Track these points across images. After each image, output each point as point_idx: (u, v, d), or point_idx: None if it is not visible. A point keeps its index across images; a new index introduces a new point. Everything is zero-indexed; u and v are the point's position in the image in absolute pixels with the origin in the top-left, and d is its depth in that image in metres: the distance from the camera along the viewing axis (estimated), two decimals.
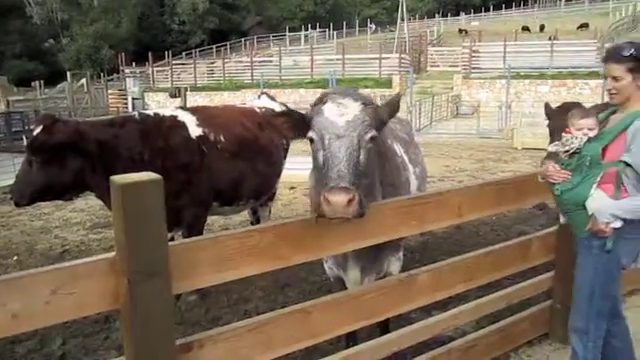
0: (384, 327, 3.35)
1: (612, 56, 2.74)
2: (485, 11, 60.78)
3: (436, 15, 56.04)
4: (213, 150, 4.50)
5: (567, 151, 2.77)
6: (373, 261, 3.14)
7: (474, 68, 28.22)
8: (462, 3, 65.98)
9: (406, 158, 3.56)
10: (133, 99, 31.15)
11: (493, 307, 3.59)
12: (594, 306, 2.80)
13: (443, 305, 3.68)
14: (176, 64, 37.46)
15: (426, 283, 3.02)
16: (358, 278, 3.15)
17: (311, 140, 2.57)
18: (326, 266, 3.41)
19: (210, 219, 6.42)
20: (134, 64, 39.01)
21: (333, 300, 2.70)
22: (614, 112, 2.86)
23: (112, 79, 38.76)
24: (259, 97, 5.68)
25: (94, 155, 4.03)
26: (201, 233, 4.69)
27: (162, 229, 2.02)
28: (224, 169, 4.55)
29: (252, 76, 32.50)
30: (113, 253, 1.96)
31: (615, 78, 2.72)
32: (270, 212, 5.80)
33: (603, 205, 2.65)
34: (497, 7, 61.78)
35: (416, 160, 3.77)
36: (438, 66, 32.30)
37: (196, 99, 30.29)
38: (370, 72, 30.58)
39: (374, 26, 55.30)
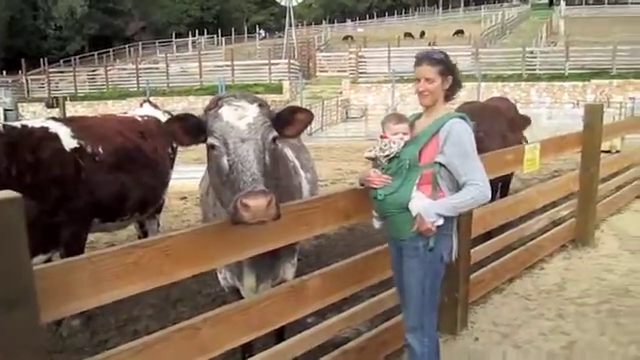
0: (279, 335, 3.30)
1: (426, 59, 2.84)
2: (370, 18, 62.97)
3: (323, 21, 57.16)
4: (91, 162, 4.21)
5: (387, 155, 2.82)
6: (269, 268, 3.09)
7: (361, 73, 29.18)
8: (348, 10, 67.98)
9: (297, 163, 3.56)
10: (5, 110, 28.71)
11: (386, 305, 3.66)
12: (426, 303, 2.87)
13: (338, 307, 3.70)
14: (53, 72, 35.25)
15: (318, 287, 3.01)
16: (254, 286, 3.09)
17: (212, 146, 2.47)
18: (220, 277, 3.31)
19: (94, 236, 6.04)
20: (4, 72, 36.00)
21: (223, 313, 2.60)
22: (419, 117, 3.00)
23: None
24: (141, 105, 5.42)
25: None
26: (81, 253, 4.37)
27: (23, 252, 1.82)
28: (104, 182, 4.28)
29: (138, 84, 31.30)
30: None
31: (428, 80, 2.82)
32: (159, 224, 5.55)
33: (427, 205, 2.74)
34: (380, 14, 64.28)
35: (307, 166, 3.77)
36: (327, 71, 32.96)
37: (77, 109, 28.61)
38: (260, 78, 30.61)
39: (263, 32, 55.36)
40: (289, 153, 3.39)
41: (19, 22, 47.81)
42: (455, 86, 2.89)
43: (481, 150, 3.01)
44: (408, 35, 45.40)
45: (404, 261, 2.87)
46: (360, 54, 30.31)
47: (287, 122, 2.64)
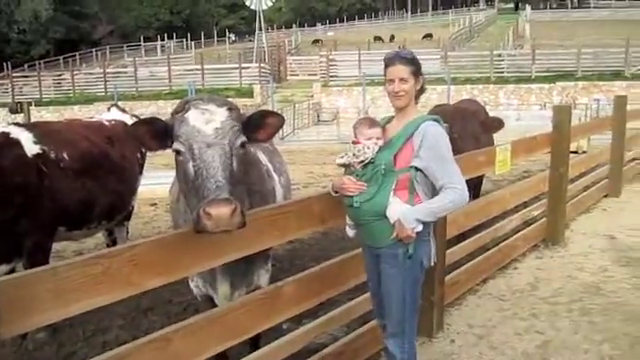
0: (254, 343, 3.22)
1: (398, 58, 2.78)
2: (340, 22, 63.22)
3: (294, 25, 57.23)
4: (55, 169, 4.07)
5: (362, 161, 2.74)
6: (243, 275, 3.02)
7: (332, 76, 29.25)
8: (318, 14, 68.08)
9: (271, 167, 3.49)
10: None
11: (362, 309, 3.61)
12: (407, 310, 2.81)
13: (314, 313, 3.64)
14: (17, 77, 34.33)
15: (293, 293, 2.95)
16: (228, 294, 3.01)
17: (177, 152, 2.40)
18: (192, 285, 3.21)
19: (61, 245, 5.86)
20: None
21: (195, 323, 2.51)
22: (390, 121, 2.94)
23: None
24: (109, 110, 5.28)
25: None
26: (46, 262, 4.21)
27: None
28: (69, 189, 4.13)
29: (106, 88, 30.74)
30: None
31: (403, 79, 2.74)
32: (128, 232, 5.41)
33: (406, 211, 2.68)
34: (350, 18, 64.63)
35: (280, 169, 3.71)
36: (297, 75, 32.97)
37: (43, 114, 27.91)
38: (231, 82, 30.42)
39: (233, 36, 55.05)
40: (262, 157, 3.33)
41: None
42: (423, 87, 2.87)
43: (455, 152, 2.99)
44: (378, 39, 45.69)
45: (382, 268, 2.81)
46: (331, 57, 30.36)
47: (258, 126, 2.58)
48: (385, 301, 2.87)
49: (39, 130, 4.15)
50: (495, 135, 6.38)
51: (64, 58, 42.84)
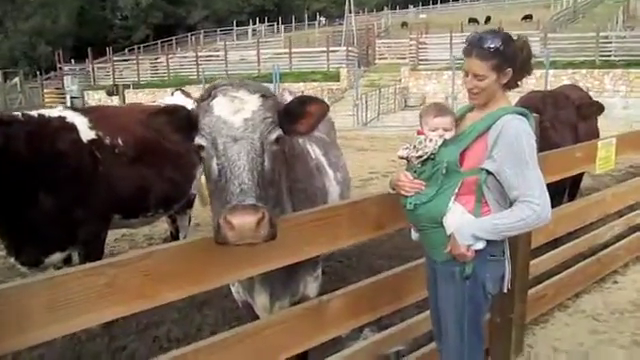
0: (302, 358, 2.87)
1: (476, 49, 2.29)
2: (433, 3, 61.15)
3: (385, 8, 55.97)
4: (109, 155, 3.91)
5: (420, 156, 2.30)
6: (285, 283, 2.66)
7: (421, 60, 28.18)
8: None
9: (324, 161, 3.09)
10: (72, 98, 29.69)
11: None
12: (465, 339, 2.35)
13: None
14: (118, 60, 36.06)
15: (341, 309, 2.58)
16: (267, 304, 2.67)
17: (200, 147, 2.06)
18: (232, 290, 2.92)
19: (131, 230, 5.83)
20: (73, 61, 37.25)
21: (222, 341, 2.20)
22: (472, 109, 2.45)
23: (50, 77, 36.90)
24: (172, 94, 5.10)
25: None
26: (101, 251, 4.12)
27: None
28: (124, 177, 3.97)
29: (197, 72, 31.52)
30: None
31: (478, 76, 2.28)
32: (190, 220, 5.25)
33: (463, 224, 2.22)
34: (445, 0, 62.33)
35: (337, 164, 3.30)
36: (386, 58, 32.12)
37: (139, 96, 29.14)
38: (318, 66, 30.14)
39: (323, 20, 54.81)
40: (313, 150, 2.93)
41: (88, 12, 49.59)
42: (520, 74, 2.33)
43: (547, 144, 2.44)
44: (473, 21, 43.60)
45: (439, 285, 2.37)
46: (421, 40, 29.27)
47: (297, 116, 2.19)
48: (442, 322, 2.44)
49: (94, 115, 4.01)
50: (600, 124, 5.60)
51: (161, 42, 44.49)
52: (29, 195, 3.58)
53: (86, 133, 3.87)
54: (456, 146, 2.27)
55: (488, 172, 2.22)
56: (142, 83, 32.66)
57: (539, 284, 3.86)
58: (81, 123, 3.89)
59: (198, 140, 2.06)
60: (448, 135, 2.31)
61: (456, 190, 2.25)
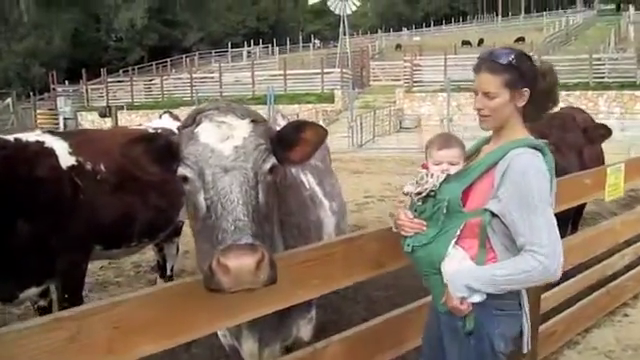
0: None
1: (487, 62, 2.04)
2: (426, 26, 61.71)
3: (379, 30, 56.40)
4: (91, 182, 3.67)
5: (420, 193, 2.06)
6: (276, 328, 2.41)
7: (416, 82, 28.21)
8: (404, 19, 66.94)
9: (319, 191, 2.86)
10: (65, 119, 29.54)
11: None
12: None
13: None
14: (112, 82, 35.94)
15: (337, 358, 2.31)
16: (255, 351, 2.41)
17: (184, 179, 1.83)
18: (219, 333, 2.65)
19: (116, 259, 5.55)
20: (67, 82, 37.18)
21: None
22: (488, 142, 2.19)
23: (43, 98, 36.73)
24: (161, 117, 4.88)
25: None
26: (80, 283, 3.85)
27: None
28: (106, 205, 3.72)
29: (192, 93, 31.45)
30: None
31: (488, 94, 2.02)
32: (178, 249, 4.99)
33: (457, 273, 1.97)
34: (437, 22, 62.90)
35: (332, 193, 3.07)
36: (380, 80, 32.16)
37: (132, 118, 29.03)
38: (312, 87, 30.17)
39: (318, 42, 55.14)
40: (306, 179, 2.71)
41: (83, 34, 49.65)
42: (544, 103, 2.08)
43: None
44: (466, 43, 43.94)
45: (444, 339, 2.12)
46: (415, 62, 29.35)
47: (291, 143, 1.96)
48: None
49: (75, 139, 3.78)
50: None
51: (156, 64, 44.52)
52: (3, 225, 3.34)
53: (65, 159, 3.63)
54: (459, 183, 2.02)
55: (493, 214, 1.96)
56: (136, 104, 32.51)
57: (548, 320, 3.61)
58: (60, 148, 3.65)
59: (182, 171, 1.84)
60: (453, 170, 2.07)
61: (458, 232, 2.00)
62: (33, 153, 3.54)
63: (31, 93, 35.98)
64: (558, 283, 3.75)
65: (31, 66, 45.59)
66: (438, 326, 2.16)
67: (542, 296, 3.37)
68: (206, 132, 1.83)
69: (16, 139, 3.57)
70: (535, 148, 2.00)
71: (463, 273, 1.96)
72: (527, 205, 1.89)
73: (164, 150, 1.89)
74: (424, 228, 2.05)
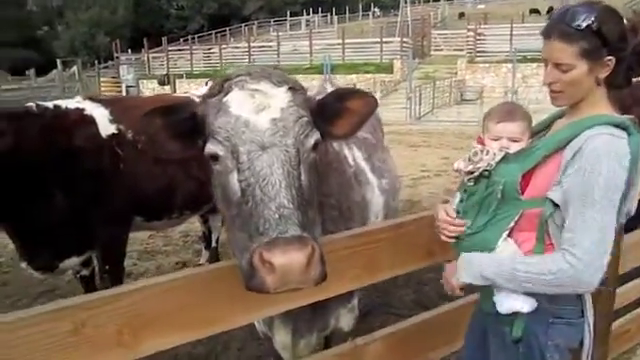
0: None
1: (557, 28, 1.66)
2: None
3: None
4: (131, 152, 3.53)
5: (471, 172, 1.74)
6: (311, 319, 2.18)
7: (479, 52, 27.07)
8: None
9: (366, 167, 2.59)
10: (127, 87, 30.27)
11: None
12: None
13: None
14: (172, 50, 36.44)
15: (382, 356, 2.07)
16: (288, 343, 2.20)
17: (213, 157, 1.60)
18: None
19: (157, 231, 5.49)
20: (130, 51, 37.97)
21: None
22: (561, 116, 1.83)
23: (107, 66, 37.74)
24: (206, 84, 4.70)
25: None
26: (122, 255, 3.77)
27: None
28: (147, 175, 3.60)
29: (250, 62, 31.46)
30: None
31: (560, 66, 1.66)
32: (224, 221, 4.85)
33: (475, 256, 1.73)
34: None
35: (382, 169, 2.78)
36: (442, 50, 31.08)
37: (192, 86, 29.32)
38: (371, 57, 29.50)
39: (378, 10, 53.85)
40: (351, 154, 2.44)
41: (145, 3, 50.48)
42: (635, 65, 1.69)
43: None
44: (534, 11, 41.72)
45: (490, 345, 1.84)
46: (479, 31, 28.10)
47: (334, 115, 1.70)
48: None
49: (116, 107, 3.65)
50: None
51: (216, 33, 44.77)
52: (43, 195, 3.26)
53: (106, 127, 3.52)
54: (520, 164, 1.69)
55: (555, 204, 1.63)
56: (195, 73, 32.85)
57: (620, 317, 3.25)
58: (101, 116, 3.54)
59: (211, 148, 1.59)
60: (514, 148, 1.75)
61: (512, 224, 1.69)
62: (72, 121, 3.44)
63: (96, 61, 36.94)
64: (632, 278, 3.38)
65: (96, 35, 46.85)
66: (483, 328, 1.88)
67: (619, 290, 3.01)
68: (237, 102, 1.59)
69: (55, 106, 3.47)
70: (618, 127, 1.64)
71: (483, 259, 1.69)
72: (585, 197, 1.56)
73: (187, 124, 1.66)
74: (463, 228, 1.76)
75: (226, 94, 1.62)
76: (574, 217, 1.58)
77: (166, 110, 1.67)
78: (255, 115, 1.56)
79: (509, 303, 1.68)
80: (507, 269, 1.64)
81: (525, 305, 1.66)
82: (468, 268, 1.71)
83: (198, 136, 1.65)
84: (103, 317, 1.44)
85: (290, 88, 1.64)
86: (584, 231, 1.56)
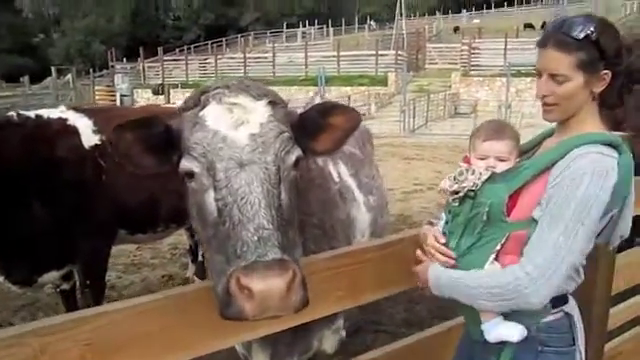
0: None
1: (553, 38, 1.59)
2: (487, 8, 59.53)
3: (437, 12, 54.83)
4: (114, 163, 3.42)
5: (456, 192, 1.67)
6: (293, 341, 2.09)
7: (473, 65, 27.20)
8: (462, 0, 64.78)
9: (352, 183, 2.51)
10: (121, 95, 30.16)
11: None
12: None
13: None
14: (168, 60, 36.42)
15: None
16: None
17: (188, 174, 1.52)
18: None
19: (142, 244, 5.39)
20: (125, 60, 37.94)
21: None
22: (550, 135, 1.76)
23: (102, 75, 37.68)
24: None
25: None
26: (104, 269, 3.68)
27: None
28: (130, 187, 3.51)
29: (245, 72, 31.47)
30: None
31: (555, 77, 1.59)
32: None
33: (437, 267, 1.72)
34: (499, 4, 60.51)
35: (370, 185, 2.71)
36: (436, 63, 31.21)
37: (185, 95, 29.24)
38: (366, 69, 29.59)
39: (374, 23, 54.15)
40: (338, 170, 2.37)
41: (142, 13, 50.65)
42: (628, 83, 1.61)
43: None
44: (528, 26, 42.01)
45: None
46: (474, 45, 28.24)
47: (317, 130, 1.63)
48: None
49: (100, 117, 3.57)
50: None
51: (212, 43, 44.86)
52: (22, 206, 3.18)
53: (89, 137, 3.44)
54: (506, 184, 1.61)
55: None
56: (190, 83, 32.83)
57: (613, 338, 3.17)
58: (84, 126, 3.47)
59: (186, 164, 1.52)
60: (501, 167, 1.67)
61: (498, 247, 1.61)
62: (54, 131, 3.36)
63: (91, 70, 36.91)
64: (626, 298, 3.31)
65: (92, 43, 46.94)
66: (470, 356, 1.80)
67: (612, 311, 2.94)
68: (214, 116, 1.52)
69: (37, 116, 3.40)
70: (609, 145, 1.56)
71: (438, 268, 1.70)
72: (555, 217, 1.50)
73: (160, 137, 1.58)
74: (452, 261, 1.68)
75: (203, 108, 1.56)
76: (538, 231, 1.53)
77: (137, 124, 1.59)
78: (233, 130, 1.49)
79: (497, 332, 1.60)
80: (450, 274, 1.65)
81: (515, 334, 1.58)
82: (434, 283, 1.68)
83: (173, 151, 1.57)
84: (66, 342, 1.35)
85: (270, 102, 1.57)
86: (540, 248, 1.50)
